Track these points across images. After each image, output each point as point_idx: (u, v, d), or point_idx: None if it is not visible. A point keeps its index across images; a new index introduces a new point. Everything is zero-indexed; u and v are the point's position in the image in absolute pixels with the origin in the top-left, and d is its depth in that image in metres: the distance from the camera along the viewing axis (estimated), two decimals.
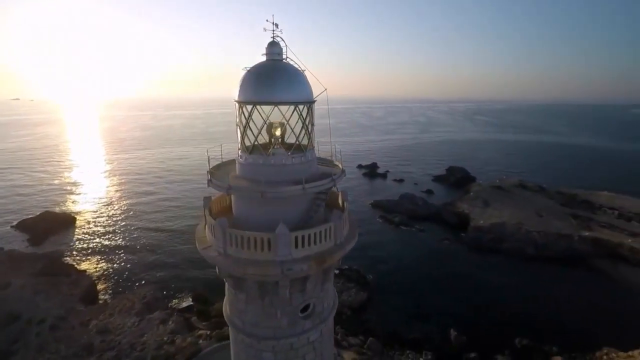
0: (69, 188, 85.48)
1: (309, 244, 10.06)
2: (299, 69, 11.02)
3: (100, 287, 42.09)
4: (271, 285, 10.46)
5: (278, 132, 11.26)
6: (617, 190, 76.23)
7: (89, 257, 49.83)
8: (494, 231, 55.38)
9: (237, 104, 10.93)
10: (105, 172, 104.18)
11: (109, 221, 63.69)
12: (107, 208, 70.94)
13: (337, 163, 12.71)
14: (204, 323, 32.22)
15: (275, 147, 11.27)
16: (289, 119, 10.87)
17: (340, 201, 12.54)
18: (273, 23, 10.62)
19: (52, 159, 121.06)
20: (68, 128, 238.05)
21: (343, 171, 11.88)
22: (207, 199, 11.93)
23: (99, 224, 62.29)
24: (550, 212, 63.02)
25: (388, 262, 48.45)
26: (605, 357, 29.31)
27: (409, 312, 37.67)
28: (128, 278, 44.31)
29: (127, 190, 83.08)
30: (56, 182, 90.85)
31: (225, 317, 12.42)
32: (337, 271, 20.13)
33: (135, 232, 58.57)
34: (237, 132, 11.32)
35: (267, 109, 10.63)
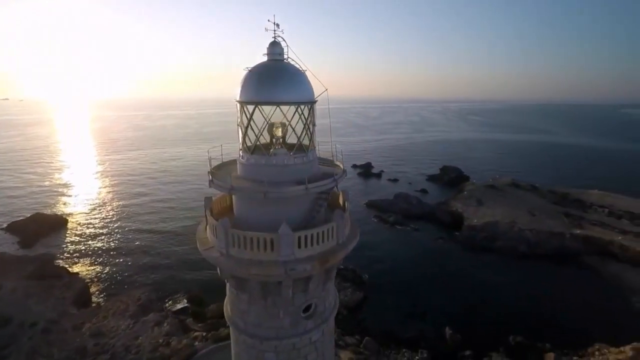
0: (60, 189, 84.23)
1: (312, 244, 10.08)
2: (300, 69, 11.01)
3: (93, 289, 41.55)
4: (274, 285, 10.45)
5: (279, 132, 11.24)
6: (608, 189, 77.53)
7: (81, 260, 49.17)
8: (488, 230, 55.94)
9: (238, 104, 10.88)
10: (97, 173, 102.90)
11: (102, 223, 62.93)
12: (99, 209, 70.07)
13: (337, 163, 12.74)
14: (199, 324, 32.03)
15: (277, 147, 11.24)
16: (291, 119, 10.86)
17: (341, 201, 12.59)
18: (274, 23, 10.60)
19: (42, 160, 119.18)
20: (59, 128, 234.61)
21: (344, 171, 11.92)
22: (208, 200, 11.87)
23: (91, 226, 61.50)
24: (543, 210, 63.84)
25: (383, 262, 48.65)
26: (597, 352, 29.78)
27: (404, 311, 37.86)
28: (121, 280, 43.83)
29: (119, 192, 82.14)
30: (46, 183, 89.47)
31: (226, 318, 12.37)
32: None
33: (129, 234, 57.96)
34: (238, 132, 11.27)
35: (268, 109, 10.61)
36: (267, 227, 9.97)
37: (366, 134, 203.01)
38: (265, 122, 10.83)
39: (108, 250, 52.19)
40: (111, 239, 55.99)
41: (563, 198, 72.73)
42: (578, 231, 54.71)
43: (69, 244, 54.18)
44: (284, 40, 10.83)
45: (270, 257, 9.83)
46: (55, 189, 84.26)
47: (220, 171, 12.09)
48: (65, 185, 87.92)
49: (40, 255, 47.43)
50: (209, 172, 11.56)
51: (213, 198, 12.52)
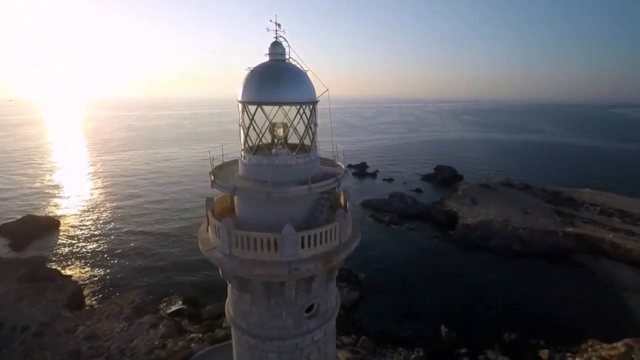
0: (51, 191, 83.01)
1: (315, 244, 10.09)
2: (302, 69, 11.00)
3: (86, 292, 41.02)
4: (277, 285, 10.43)
5: (281, 133, 11.22)
6: (599, 188, 78.78)
7: (74, 262, 48.51)
8: (482, 229, 56.44)
9: (240, 104, 10.83)
10: (90, 174, 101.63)
11: (94, 225, 62.16)
12: (91, 211, 69.20)
13: (339, 163, 12.77)
14: (195, 326, 31.83)
15: (278, 147, 11.22)
16: (293, 119, 10.86)
17: (342, 201, 12.61)
18: (276, 23, 10.57)
19: (32, 161, 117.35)
20: (49, 129, 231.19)
21: (346, 171, 11.96)
22: (209, 200, 11.80)
23: (84, 228, 60.72)
24: (536, 209, 64.60)
25: (379, 261, 48.80)
26: (590, 349, 30.21)
27: (400, 309, 38.04)
28: (115, 282, 43.32)
29: (112, 193, 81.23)
30: (37, 184, 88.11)
31: (228, 319, 12.34)
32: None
33: (122, 236, 57.32)
34: (239, 132, 11.22)
35: (269, 109, 10.59)
36: (270, 227, 9.95)
37: (361, 134, 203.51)
38: (268, 123, 10.81)
39: (101, 252, 51.58)
40: (104, 241, 55.34)
41: (555, 197, 73.66)
42: (570, 229, 55.46)
43: (61, 246, 53.44)
44: (285, 40, 10.83)
45: (273, 257, 9.83)
46: (47, 191, 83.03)
47: (221, 171, 12.02)
48: (57, 187, 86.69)
49: (31, 258, 46.79)
50: (210, 172, 11.44)
51: (214, 199, 12.42)
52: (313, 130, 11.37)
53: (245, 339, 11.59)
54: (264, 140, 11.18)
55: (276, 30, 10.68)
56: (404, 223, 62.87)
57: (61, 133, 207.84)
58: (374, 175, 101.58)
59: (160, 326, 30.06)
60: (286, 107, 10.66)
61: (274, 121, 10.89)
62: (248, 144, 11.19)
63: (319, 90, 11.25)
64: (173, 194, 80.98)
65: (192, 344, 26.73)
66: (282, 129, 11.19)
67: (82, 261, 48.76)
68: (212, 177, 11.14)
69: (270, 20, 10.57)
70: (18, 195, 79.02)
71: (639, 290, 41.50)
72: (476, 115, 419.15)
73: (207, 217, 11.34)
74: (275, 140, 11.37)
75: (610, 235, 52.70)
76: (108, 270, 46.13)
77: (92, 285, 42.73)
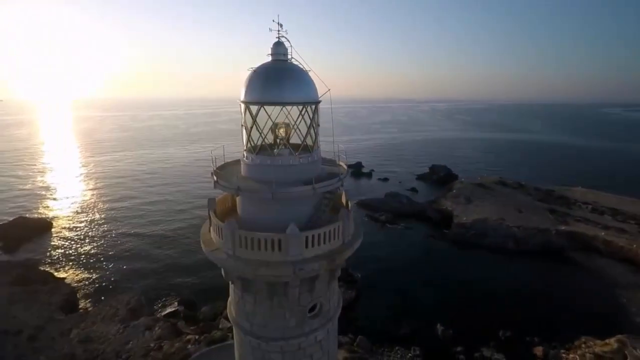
0: (43, 192, 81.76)
1: (319, 243, 10.11)
2: (304, 69, 10.99)
3: (80, 295, 40.48)
4: (280, 285, 10.42)
5: (283, 133, 11.20)
6: (590, 186, 79.96)
7: (67, 264, 47.84)
8: (476, 227, 56.90)
9: (242, 105, 10.78)
10: (82, 175, 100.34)
11: (87, 226, 61.38)
12: (84, 213, 68.32)
13: (340, 163, 12.79)
14: (191, 327, 31.62)
15: (280, 147, 11.20)
16: (296, 120, 10.85)
17: (344, 200, 12.65)
18: (278, 23, 10.56)
19: (23, 162, 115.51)
20: (40, 130, 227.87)
21: (348, 171, 12.00)
22: (211, 201, 11.71)
23: (77, 230, 59.92)
24: (529, 207, 65.32)
25: (375, 260, 48.94)
26: (583, 345, 30.63)
27: (396, 308, 38.20)
28: (110, 285, 42.85)
29: (105, 194, 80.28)
30: (28, 186, 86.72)
31: (230, 320, 12.29)
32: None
33: (116, 237, 56.68)
34: (242, 132, 11.18)
35: (271, 109, 10.55)
36: (273, 227, 9.95)
37: (356, 134, 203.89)
38: (271, 123, 10.79)
39: (95, 254, 50.95)
40: (98, 243, 54.67)
41: (548, 195, 74.56)
42: (563, 227, 56.18)
43: (53, 248, 52.66)
44: (287, 40, 10.81)
45: (278, 257, 9.82)
46: (38, 192, 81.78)
47: (221, 172, 11.97)
48: (49, 188, 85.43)
49: (23, 261, 46.12)
50: (212, 173, 11.36)
51: (216, 199, 12.36)
52: (315, 130, 11.38)
53: (248, 340, 11.54)
54: (266, 140, 11.16)
55: (278, 31, 10.66)
56: (399, 222, 63.15)
57: (52, 133, 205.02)
58: (369, 175, 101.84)
59: (156, 328, 29.82)
60: (288, 107, 10.65)
61: (275, 121, 10.87)
62: (250, 144, 11.15)
63: (319, 91, 11.25)
64: (167, 194, 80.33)
65: (189, 346, 26.56)
66: (284, 129, 11.17)
67: (76, 263, 48.13)
68: (215, 178, 11.05)
69: (273, 21, 10.60)
70: (9, 197, 77.69)
71: (630, 287, 42.20)
72: (469, 115, 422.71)
73: (210, 218, 11.27)
74: (278, 140, 11.35)
75: (602, 233, 53.50)
76: (102, 272, 45.59)
77: (86, 288, 42.19)
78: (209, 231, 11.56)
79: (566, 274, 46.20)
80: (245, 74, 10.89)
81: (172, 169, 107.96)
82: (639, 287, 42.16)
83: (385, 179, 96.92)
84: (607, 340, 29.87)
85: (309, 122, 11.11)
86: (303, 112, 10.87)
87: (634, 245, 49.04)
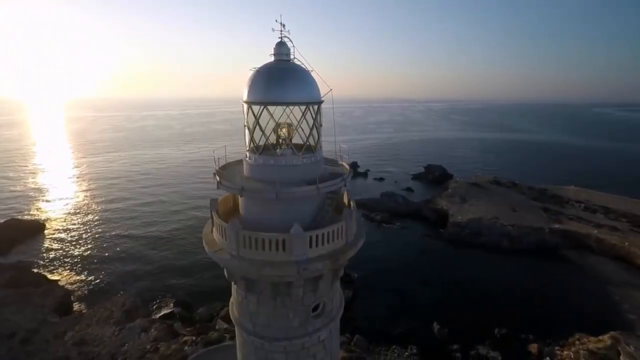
0: (35, 194, 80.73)
1: (323, 243, 10.15)
2: (307, 69, 10.99)
3: (74, 297, 40.04)
4: (284, 285, 10.44)
5: (285, 133, 11.21)
6: (583, 185, 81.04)
7: (60, 267, 47.28)
8: (471, 226, 57.32)
9: (245, 105, 10.76)
10: (75, 176, 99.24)
11: (81, 228, 60.70)
12: (78, 214, 67.56)
13: (342, 163, 12.81)
14: (188, 329, 31.44)
15: (283, 147, 11.20)
16: (300, 120, 10.86)
17: (345, 200, 12.67)
18: (281, 23, 10.52)
19: (14, 164, 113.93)
20: (32, 130, 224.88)
21: (351, 171, 12.03)
22: (213, 201, 11.62)
23: (70, 231, 59.24)
24: (523, 206, 65.96)
25: (372, 260, 49.06)
26: (577, 342, 31.01)
27: (393, 308, 38.36)
28: (104, 286, 42.44)
29: (99, 196, 79.48)
30: (20, 187, 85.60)
31: (233, 320, 12.25)
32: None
33: (110, 239, 56.13)
34: (244, 132, 11.16)
35: (274, 109, 10.54)
36: (276, 227, 9.96)
37: (352, 134, 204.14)
38: (275, 123, 10.80)
39: (89, 256, 50.42)
40: (91, 245, 54.11)
41: (542, 194, 75.38)
42: (557, 226, 56.81)
43: (46, 251, 52.01)
44: (290, 40, 10.79)
45: (282, 257, 9.84)
46: (30, 194, 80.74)
47: (222, 172, 11.93)
48: (41, 190, 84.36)
49: (16, 263, 45.50)
50: (214, 173, 11.31)
51: (218, 199, 12.32)
52: (318, 130, 11.40)
53: (251, 340, 11.52)
54: (268, 141, 11.16)
55: (281, 31, 10.63)
56: (395, 222, 63.41)
57: (45, 134, 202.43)
58: (365, 174, 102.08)
59: (152, 330, 29.59)
60: (290, 107, 10.65)
61: (278, 121, 10.87)
62: (253, 144, 11.14)
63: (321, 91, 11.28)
64: (161, 195, 79.77)
65: (186, 347, 26.40)
66: (286, 129, 11.17)
67: (69, 265, 47.59)
68: (218, 178, 11.00)
69: (276, 21, 10.57)
70: (0, 198, 76.61)
71: (623, 284, 42.82)
72: (464, 115, 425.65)
73: (212, 218, 11.23)
74: (280, 140, 11.34)
75: (595, 231, 54.21)
76: (96, 274, 45.14)
77: (80, 290, 41.74)
78: (212, 232, 11.50)
79: (560, 272, 46.73)
80: (244, 74, 10.88)
81: (166, 169, 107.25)
82: (631, 284, 42.79)
83: (381, 179, 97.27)
84: (600, 337, 30.28)
85: (311, 122, 11.12)
86: (306, 112, 10.88)
87: (626, 243, 49.75)
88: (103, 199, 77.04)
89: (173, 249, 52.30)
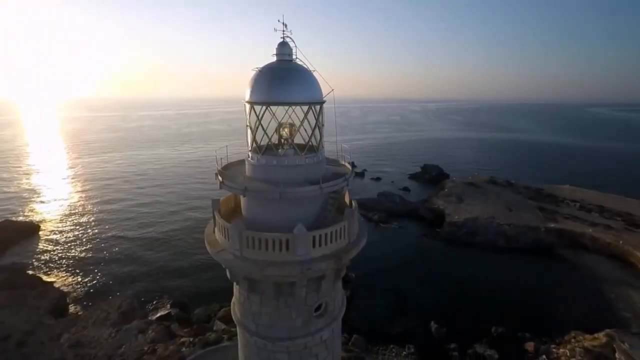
0: (29, 195, 79.93)
1: (326, 243, 10.17)
2: (309, 69, 11.01)
3: (70, 299, 39.68)
4: (287, 285, 10.43)
5: (287, 133, 11.21)
6: (578, 184, 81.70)
7: (55, 268, 46.85)
8: (468, 225, 57.60)
9: (247, 105, 10.74)
10: (70, 177, 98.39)
11: (76, 229, 60.19)
12: (73, 215, 66.98)
13: (344, 162, 12.83)
14: (185, 330, 31.29)
15: (285, 147, 11.20)
16: (302, 120, 10.89)
17: (347, 200, 12.70)
18: (283, 23, 10.51)
19: (8, 164, 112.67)
20: (25, 130, 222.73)
21: (353, 170, 12.11)
22: (215, 202, 11.61)
23: (65, 233, 58.72)
24: (519, 206, 66.39)
25: (369, 260, 49.06)
26: (573, 340, 31.26)
27: (390, 307, 38.45)
28: (100, 288, 42.11)
29: (94, 196, 78.83)
30: (14, 189, 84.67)
31: (235, 321, 12.24)
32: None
33: (106, 240, 55.69)
34: (246, 133, 11.16)
35: (276, 109, 10.55)
36: (280, 228, 9.97)
37: (349, 134, 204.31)
38: (277, 123, 10.81)
39: (84, 257, 50.02)
40: (87, 246, 53.68)
41: (537, 193, 75.91)
42: (552, 225, 57.24)
43: (41, 252, 51.52)
44: (292, 40, 10.80)
45: (285, 257, 9.85)
46: (25, 195, 79.92)
47: (225, 172, 11.91)
48: (36, 191, 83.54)
49: (10, 265, 45.05)
50: (216, 173, 11.28)
51: (220, 200, 12.29)
52: (320, 130, 11.43)
53: (253, 341, 11.51)
54: (271, 141, 11.18)
55: (283, 31, 10.61)
56: (392, 222, 63.56)
57: (39, 134, 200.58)
58: (361, 174, 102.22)
59: (149, 331, 29.41)
60: (292, 107, 10.66)
61: (280, 121, 10.88)
62: (255, 144, 11.13)
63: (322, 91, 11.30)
64: (158, 196, 79.31)
65: (183, 348, 26.26)
66: (288, 129, 11.17)
67: (65, 267, 47.18)
68: (221, 178, 10.98)
69: (278, 21, 10.55)
70: None
71: (617, 282, 43.23)
72: (460, 115, 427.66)
73: (215, 219, 11.20)
74: (282, 140, 11.34)
75: (590, 230, 54.69)
76: (92, 276, 44.80)
77: (76, 292, 41.39)
78: (214, 232, 11.47)
79: (556, 271, 47.08)
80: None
81: (162, 170, 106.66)
82: (625, 282, 43.21)
83: (378, 179, 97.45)
84: (596, 335, 30.56)
85: (314, 122, 11.12)
86: (308, 113, 10.88)
87: (620, 242, 50.25)
88: (98, 199, 76.48)
89: (169, 250, 52.04)
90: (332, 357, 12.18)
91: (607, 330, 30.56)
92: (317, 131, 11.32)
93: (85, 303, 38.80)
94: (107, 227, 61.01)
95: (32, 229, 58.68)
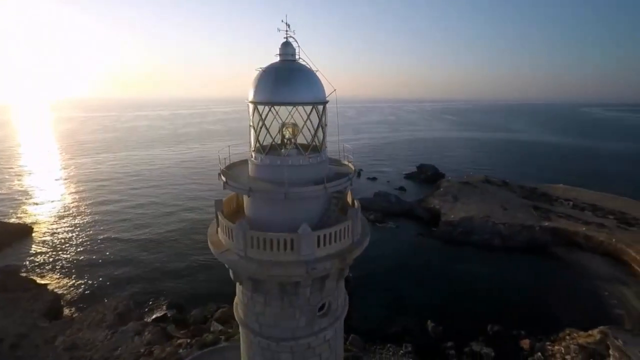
0: (22, 196, 78.95)
1: (330, 242, 10.19)
2: (312, 69, 11.03)
3: (64, 301, 39.29)
4: (291, 285, 10.44)
5: (291, 133, 11.23)
6: (571, 183, 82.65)
7: (49, 270, 46.34)
8: (463, 225, 58.00)
9: (251, 105, 10.73)
10: (63, 178, 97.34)
11: (70, 231, 59.57)
12: (67, 217, 66.28)
13: (346, 162, 12.87)
14: (182, 331, 31.13)
15: (288, 147, 11.21)
16: (305, 120, 10.92)
17: (350, 200, 12.74)
18: (286, 24, 10.51)
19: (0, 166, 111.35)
20: (18, 131, 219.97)
21: (356, 170, 12.15)
22: (218, 202, 11.57)
23: (59, 234, 58.09)
24: (514, 205, 66.97)
25: (366, 259, 48.88)
26: (567, 337, 31.64)
27: (387, 306, 38.58)
28: (96, 290, 41.73)
29: (88, 198, 78.05)
30: (6, 190, 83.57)
31: (238, 321, 12.22)
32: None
33: (100, 242, 55.19)
34: (250, 133, 11.15)
35: (279, 109, 10.57)
36: (283, 228, 9.98)
37: (345, 134, 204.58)
38: (280, 123, 10.84)
39: (79, 259, 49.52)
40: (81, 248, 53.16)
41: (531, 192, 76.64)
42: (546, 223, 57.82)
43: (35, 254, 50.92)
44: (295, 40, 10.78)
45: (290, 257, 9.84)
46: (17, 196, 78.91)
47: (224, 172, 11.89)
48: (28, 192, 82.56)
49: (3, 267, 44.41)
50: (219, 173, 11.27)
51: (223, 200, 12.27)
52: (323, 130, 11.46)
53: (257, 341, 11.48)
54: (274, 141, 11.22)
55: (286, 31, 10.61)
56: (388, 221, 63.77)
57: (30, 135, 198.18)
58: (357, 174, 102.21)
59: (146, 333, 29.24)
60: (296, 108, 10.68)
61: (284, 121, 10.91)
62: (259, 144, 11.14)
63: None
64: (153, 197, 78.77)
65: (180, 350, 26.15)
66: (292, 129, 11.18)
67: (59, 269, 46.69)
68: (224, 178, 10.96)
69: (282, 21, 10.55)
70: None
71: (611, 280, 43.79)
72: (455, 115, 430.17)
73: (217, 219, 11.18)
74: (285, 140, 11.36)
75: (583, 228, 55.33)
76: (87, 278, 44.37)
77: (70, 294, 40.98)
78: (217, 232, 11.44)
79: (550, 269, 47.57)
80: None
81: (157, 170, 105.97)
82: (618, 280, 43.78)
83: (374, 179, 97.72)
84: (590, 332, 30.95)
85: (317, 122, 11.16)
86: (311, 113, 10.91)
87: (613, 240, 50.90)
88: (92, 200, 75.77)
89: (165, 251, 51.73)
90: (335, 357, 12.19)
91: (601, 327, 30.95)
92: (320, 131, 11.35)
93: (80, 305, 38.44)
94: (101, 228, 60.49)
95: (25, 231, 58.00)
